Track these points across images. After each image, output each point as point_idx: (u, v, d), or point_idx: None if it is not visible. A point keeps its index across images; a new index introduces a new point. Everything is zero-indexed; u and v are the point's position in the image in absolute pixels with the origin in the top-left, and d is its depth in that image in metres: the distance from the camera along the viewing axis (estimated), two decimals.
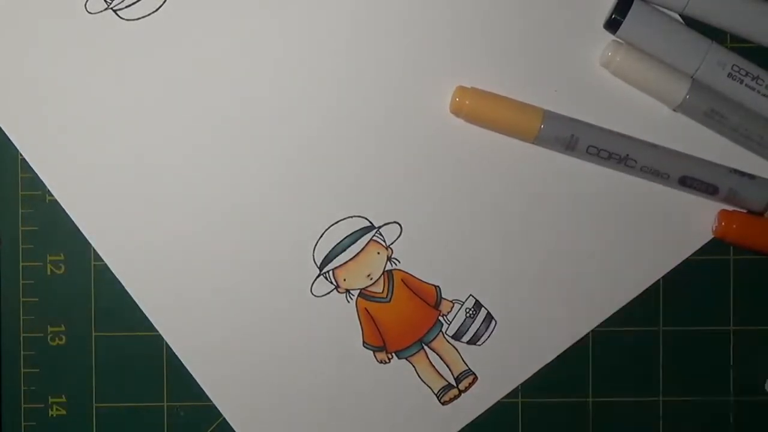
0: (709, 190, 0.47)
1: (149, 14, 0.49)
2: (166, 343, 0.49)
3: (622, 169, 0.47)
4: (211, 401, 0.49)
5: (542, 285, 0.49)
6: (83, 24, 0.49)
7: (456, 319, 0.49)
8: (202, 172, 0.49)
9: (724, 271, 0.50)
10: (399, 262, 0.49)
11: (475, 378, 0.50)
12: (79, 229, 0.49)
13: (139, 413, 0.50)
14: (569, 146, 0.47)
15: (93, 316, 0.50)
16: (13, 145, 0.49)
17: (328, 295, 0.49)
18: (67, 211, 0.49)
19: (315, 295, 0.49)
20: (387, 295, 0.49)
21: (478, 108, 0.47)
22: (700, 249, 0.49)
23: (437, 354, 0.50)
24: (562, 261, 0.49)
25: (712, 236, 0.49)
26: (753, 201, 0.48)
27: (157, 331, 0.49)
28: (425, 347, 0.50)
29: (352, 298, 0.49)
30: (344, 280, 0.49)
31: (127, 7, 0.49)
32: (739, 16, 0.47)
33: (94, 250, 0.49)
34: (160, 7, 0.49)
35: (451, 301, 0.49)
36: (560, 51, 0.48)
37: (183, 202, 0.49)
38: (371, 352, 0.49)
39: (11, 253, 0.50)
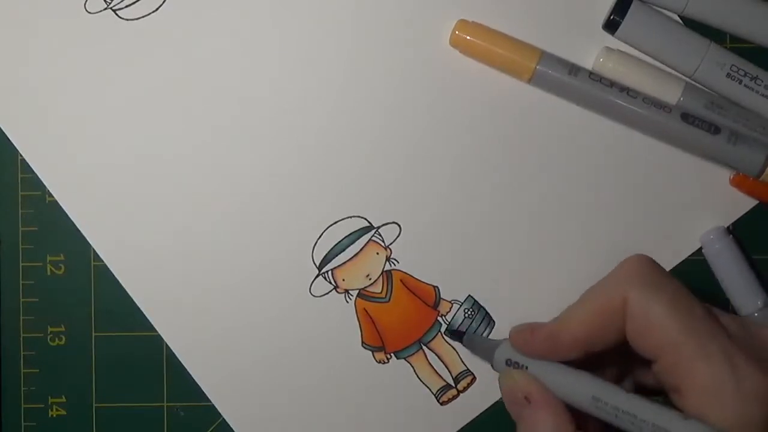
0: (711, 129, 0.46)
1: (149, 14, 0.49)
2: (166, 343, 0.49)
3: (624, 100, 0.46)
4: (211, 401, 0.49)
5: (541, 285, 0.49)
6: (83, 24, 0.49)
7: (455, 319, 0.49)
8: (201, 172, 0.49)
9: None
10: (398, 262, 0.49)
11: (474, 378, 0.50)
12: (79, 229, 0.49)
13: (139, 413, 0.50)
14: (571, 71, 0.47)
15: (93, 316, 0.50)
16: (13, 145, 0.49)
17: (327, 296, 0.49)
18: (67, 212, 0.49)
19: (314, 296, 0.49)
20: (386, 295, 0.49)
21: (477, 39, 0.47)
22: (698, 249, 0.49)
23: (436, 354, 0.50)
24: (562, 261, 0.49)
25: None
26: (753, 153, 0.46)
27: (157, 331, 0.49)
28: (424, 347, 0.50)
29: (351, 299, 0.49)
30: (343, 280, 0.49)
31: (126, 6, 0.49)
32: (739, 16, 0.47)
33: (94, 250, 0.49)
34: (159, 6, 0.49)
35: (450, 302, 0.49)
36: (559, 52, 0.48)
37: (183, 203, 0.49)
38: (370, 353, 0.49)
39: (11, 253, 0.50)
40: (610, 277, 0.39)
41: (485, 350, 0.42)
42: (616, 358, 0.41)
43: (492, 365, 0.42)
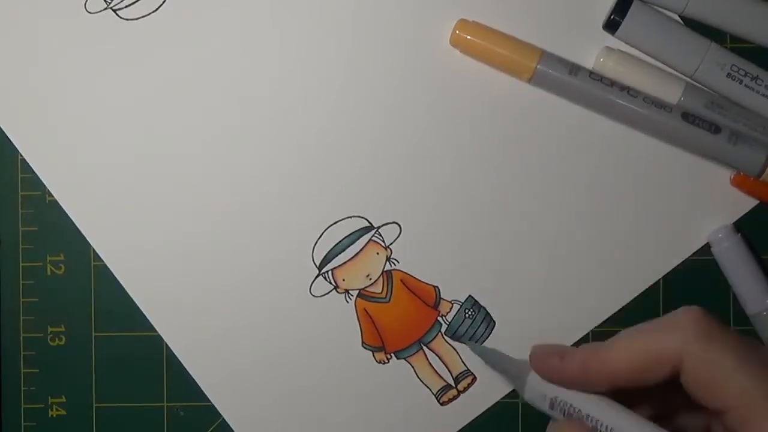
0: (711, 129, 0.46)
1: (149, 14, 0.49)
2: (166, 343, 0.49)
3: (624, 99, 0.46)
4: (211, 401, 0.49)
5: (541, 285, 0.49)
6: (83, 24, 0.49)
7: (455, 319, 0.49)
8: (201, 172, 0.49)
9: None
10: (398, 262, 0.49)
11: (474, 378, 0.50)
12: (79, 229, 0.49)
13: (139, 413, 0.50)
14: (572, 71, 0.47)
15: (93, 316, 0.50)
16: (13, 145, 0.49)
17: (327, 296, 0.49)
18: (67, 212, 0.49)
19: (314, 296, 0.49)
20: (386, 295, 0.49)
21: (477, 38, 0.47)
22: (700, 249, 0.49)
23: (436, 354, 0.50)
24: (562, 261, 0.49)
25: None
26: (753, 153, 0.46)
27: (157, 331, 0.49)
28: (424, 348, 0.50)
29: (351, 299, 0.49)
30: (343, 280, 0.49)
31: (126, 6, 0.49)
32: (739, 16, 0.47)
33: (94, 250, 0.49)
34: (159, 6, 0.49)
35: (450, 302, 0.49)
36: (559, 52, 0.48)
37: (183, 203, 0.49)
38: (370, 353, 0.49)
39: (11, 253, 0.50)
40: (664, 324, 0.37)
41: (513, 376, 0.40)
42: (656, 397, 0.40)
43: (522, 394, 0.39)
